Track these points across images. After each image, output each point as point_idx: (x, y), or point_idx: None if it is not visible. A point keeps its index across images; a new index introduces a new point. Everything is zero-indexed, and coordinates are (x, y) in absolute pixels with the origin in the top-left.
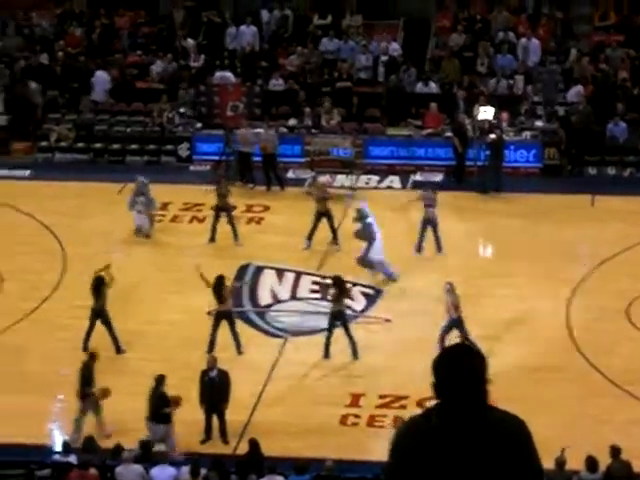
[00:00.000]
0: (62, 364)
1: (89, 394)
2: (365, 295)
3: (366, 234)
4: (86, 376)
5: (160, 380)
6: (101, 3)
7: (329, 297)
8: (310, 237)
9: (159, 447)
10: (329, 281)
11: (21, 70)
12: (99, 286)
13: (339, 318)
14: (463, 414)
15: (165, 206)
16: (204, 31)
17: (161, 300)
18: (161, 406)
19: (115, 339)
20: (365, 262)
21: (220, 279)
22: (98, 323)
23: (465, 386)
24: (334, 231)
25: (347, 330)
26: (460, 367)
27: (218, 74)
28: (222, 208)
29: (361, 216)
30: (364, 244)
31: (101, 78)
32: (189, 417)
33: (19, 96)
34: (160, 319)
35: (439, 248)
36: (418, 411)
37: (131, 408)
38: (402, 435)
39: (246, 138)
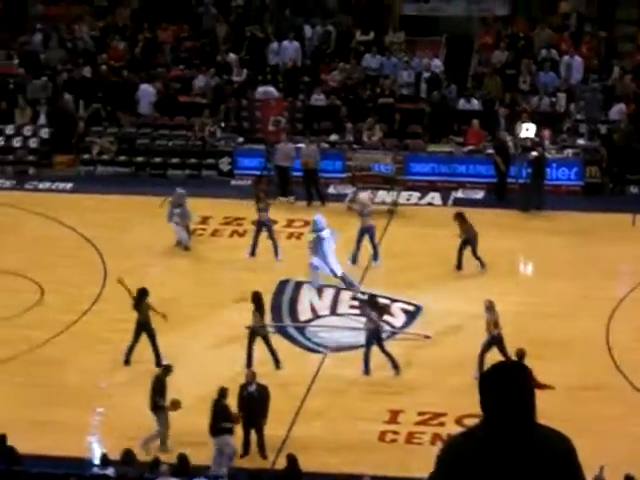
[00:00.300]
0: (101, 377)
1: (162, 406)
2: (405, 312)
3: (317, 247)
4: (158, 388)
5: (223, 393)
6: (144, 17)
7: (366, 314)
8: (355, 254)
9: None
10: (366, 297)
11: (63, 83)
12: (142, 299)
13: (374, 336)
14: (510, 429)
15: (206, 220)
16: (247, 46)
17: (200, 314)
18: (222, 419)
19: (157, 352)
20: (344, 279)
21: (257, 295)
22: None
23: (513, 402)
24: (375, 247)
25: (382, 348)
26: (509, 384)
27: (261, 89)
28: (263, 223)
29: (315, 228)
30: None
31: (146, 91)
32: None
33: (61, 109)
34: (199, 333)
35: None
36: (457, 429)
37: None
38: (448, 449)
39: (285, 153)
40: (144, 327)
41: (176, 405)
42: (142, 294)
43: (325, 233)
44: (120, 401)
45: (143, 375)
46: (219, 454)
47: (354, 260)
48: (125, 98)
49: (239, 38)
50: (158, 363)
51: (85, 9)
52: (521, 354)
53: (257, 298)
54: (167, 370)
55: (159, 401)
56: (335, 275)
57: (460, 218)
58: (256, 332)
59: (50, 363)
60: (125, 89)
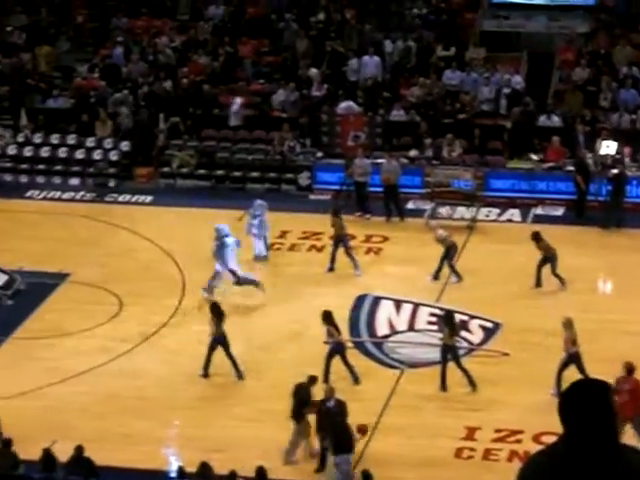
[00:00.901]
0: (178, 390)
1: (304, 416)
2: (483, 328)
3: (220, 253)
4: (303, 399)
5: (343, 408)
6: (225, 31)
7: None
8: (438, 271)
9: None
10: (442, 313)
11: (144, 96)
12: (218, 313)
13: (450, 352)
14: (593, 448)
15: (284, 234)
16: (327, 61)
17: (277, 328)
18: (345, 437)
19: (235, 365)
20: (241, 280)
21: (327, 314)
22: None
23: (596, 420)
24: (452, 264)
25: (458, 364)
26: (592, 401)
27: (343, 104)
28: (340, 238)
29: (218, 236)
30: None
31: (237, 105)
32: (304, 445)
33: (142, 122)
34: (274, 346)
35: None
36: (534, 446)
37: (243, 435)
38: (529, 467)
39: (363, 168)
40: (219, 341)
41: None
42: (216, 309)
43: (229, 240)
44: (197, 414)
45: (220, 388)
46: (340, 472)
47: (436, 276)
48: (205, 112)
49: (319, 53)
50: (239, 375)
51: (167, 23)
52: (630, 368)
53: (327, 317)
54: (312, 381)
55: (302, 410)
56: (235, 277)
57: (537, 238)
58: (334, 348)
59: (128, 375)
60: (205, 103)
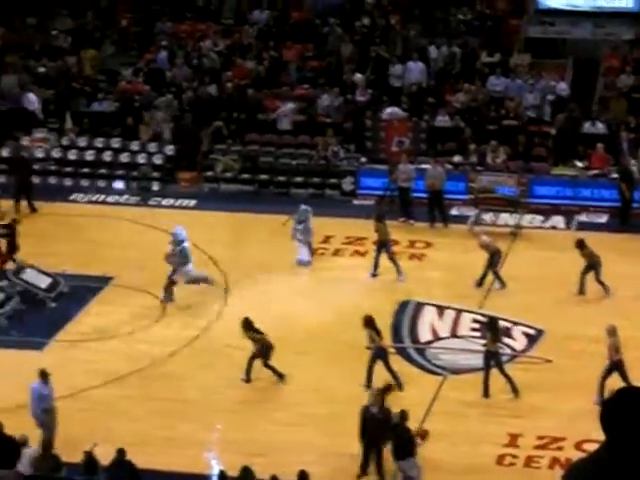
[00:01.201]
0: (219, 393)
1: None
2: (526, 335)
3: (180, 257)
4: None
5: (403, 416)
6: (270, 36)
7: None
8: (483, 278)
9: None
10: (486, 320)
11: (188, 100)
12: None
13: (493, 358)
14: (635, 453)
15: (328, 239)
16: (372, 66)
17: (320, 332)
18: (406, 443)
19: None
20: (190, 279)
21: (369, 319)
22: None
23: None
24: (495, 271)
25: (502, 370)
26: (635, 409)
27: (389, 109)
28: (383, 243)
29: (175, 240)
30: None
31: (288, 109)
32: (347, 451)
33: (186, 126)
34: (318, 350)
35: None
36: (576, 453)
37: (285, 439)
38: (573, 474)
39: (406, 174)
40: (265, 349)
41: (424, 435)
42: (247, 324)
43: (186, 243)
44: (238, 417)
45: (261, 392)
46: (405, 478)
47: (480, 283)
48: (249, 116)
49: (364, 58)
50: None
51: (211, 27)
52: None
53: (369, 321)
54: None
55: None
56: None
57: (580, 245)
58: (376, 353)
59: (170, 378)
60: (249, 107)
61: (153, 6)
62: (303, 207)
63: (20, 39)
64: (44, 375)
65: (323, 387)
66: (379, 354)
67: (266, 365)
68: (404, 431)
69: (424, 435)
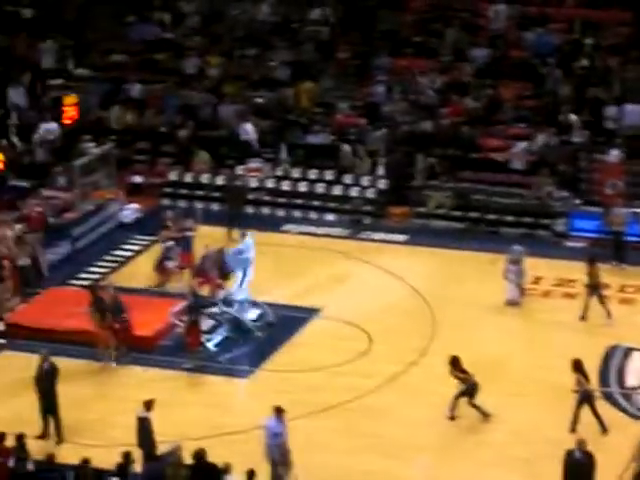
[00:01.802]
0: (422, 430)
1: None
2: None
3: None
4: None
5: (591, 460)
6: (488, 74)
7: None
8: None
9: None
10: None
11: (403, 135)
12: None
13: None
14: None
15: (538, 280)
16: (589, 107)
17: (526, 374)
18: None
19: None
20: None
21: (578, 363)
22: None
23: None
24: None
25: None
26: None
27: (614, 152)
28: (595, 286)
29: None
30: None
31: (520, 148)
32: None
33: (399, 161)
34: (524, 392)
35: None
36: None
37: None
38: None
39: (620, 217)
40: (471, 388)
41: None
42: (454, 362)
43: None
44: (440, 455)
45: (465, 430)
46: None
47: None
48: (464, 153)
49: (581, 99)
50: (603, 429)
51: (430, 63)
52: None
53: (578, 365)
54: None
55: None
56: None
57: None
58: (582, 397)
59: (373, 412)
60: (464, 144)
61: (372, 41)
62: (517, 248)
63: (239, 70)
64: (279, 412)
65: (528, 429)
66: (585, 398)
67: (471, 404)
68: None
69: None
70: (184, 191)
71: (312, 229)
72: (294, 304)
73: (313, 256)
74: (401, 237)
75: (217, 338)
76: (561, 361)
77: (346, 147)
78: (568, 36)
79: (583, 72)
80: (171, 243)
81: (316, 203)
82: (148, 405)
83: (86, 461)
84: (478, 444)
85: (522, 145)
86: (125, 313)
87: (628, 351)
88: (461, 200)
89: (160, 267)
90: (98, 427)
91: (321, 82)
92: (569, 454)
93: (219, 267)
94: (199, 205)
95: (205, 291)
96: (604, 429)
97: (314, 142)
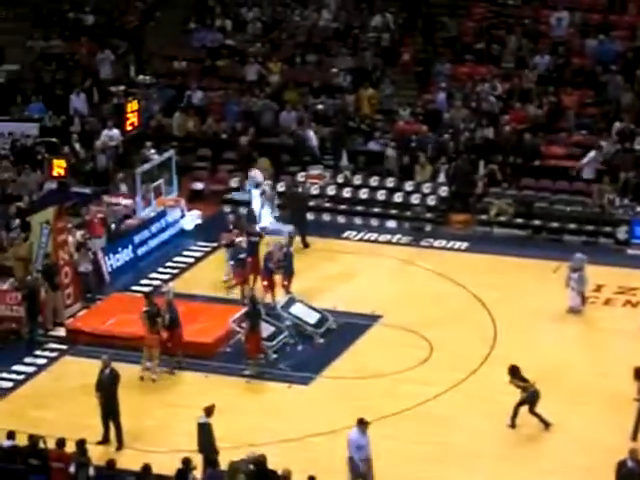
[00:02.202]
0: (483, 439)
1: None
2: None
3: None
4: None
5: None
6: (550, 81)
7: None
8: None
9: None
10: None
11: (465, 142)
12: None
13: None
14: None
15: (599, 288)
16: None
17: (589, 382)
18: None
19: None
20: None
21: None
22: None
23: None
24: None
25: None
26: None
27: None
28: None
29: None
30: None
31: (591, 157)
32: None
33: (461, 168)
34: (585, 400)
35: None
36: None
37: None
38: None
39: None
40: (532, 396)
41: None
42: (514, 371)
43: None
44: (501, 464)
45: (526, 439)
46: None
47: None
48: (526, 161)
49: None
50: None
51: (491, 70)
52: None
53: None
54: None
55: None
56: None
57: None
58: None
59: (434, 420)
60: (526, 152)
61: (434, 47)
62: (579, 255)
63: (300, 76)
64: (362, 423)
65: (589, 438)
66: None
67: (532, 412)
68: None
69: None
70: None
71: (373, 236)
72: (355, 311)
73: (374, 263)
74: (462, 244)
75: (277, 344)
76: (622, 369)
77: (390, 151)
78: (631, 43)
79: None
80: (241, 241)
81: (377, 210)
82: (208, 411)
83: (147, 467)
84: (538, 452)
85: (592, 154)
86: (177, 322)
87: None
88: (523, 208)
89: (236, 269)
90: (159, 433)
91: (382, 88)
92: (622, 464)
93: (282, 266)
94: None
95: (269, 296)
96: None
97: (375, 149)
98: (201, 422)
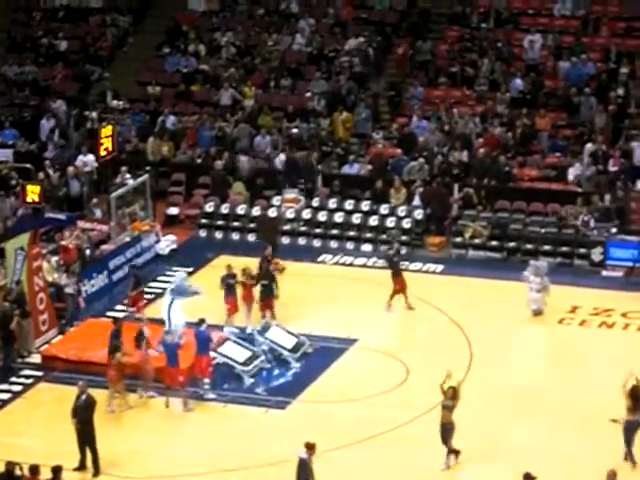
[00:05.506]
0: (460, 463)
1: None
2: None
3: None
4: None
5: None
6: (523, 103)
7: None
8: None
9: None
10: None
11: (439, 165)
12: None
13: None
14: None
15: (574, 309)
16: (625, 137)
17: (564, 404)
18: None
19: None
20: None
21: (635, 389)
22: None
23: None
24: None
25: None
26: None
27: None
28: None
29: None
30: None
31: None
32: None
33: (436, 191)
34: (561, 422)
35: None
36: None
37: None
38: None
39: None
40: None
41: None
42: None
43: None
44: None
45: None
46: None
47: None
48: (500, 183)
49: (617, 128)
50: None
51: (465, 93)
52: None
53: (635, 393)
54: None
55: None
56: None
57: None
58: (632, 426)
59: (412, 444)
60: (500, 174)
61: (406, 72)
62: (542, 263)
63: (274, 100)
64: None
65: (567, 458)
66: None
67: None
68: None
69: None
70: (220, 222)
71: (349, 259)
72: (331, 334)
73: (349, 286)
74: (438, 267)
75: (253, 369)
76: (599, 390)
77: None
78: (604, 65)
79: (620, 101)
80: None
81: (352, 234)
82: (310, 447)
83: None
84: (517, 472)
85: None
86: (143, 347)
87: None
88: (498, 230)
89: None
90: (135, 459)
91: (357, 112)
92: None
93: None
94: (235, 236)
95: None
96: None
97: (350, 173)
98: (302, 457)
